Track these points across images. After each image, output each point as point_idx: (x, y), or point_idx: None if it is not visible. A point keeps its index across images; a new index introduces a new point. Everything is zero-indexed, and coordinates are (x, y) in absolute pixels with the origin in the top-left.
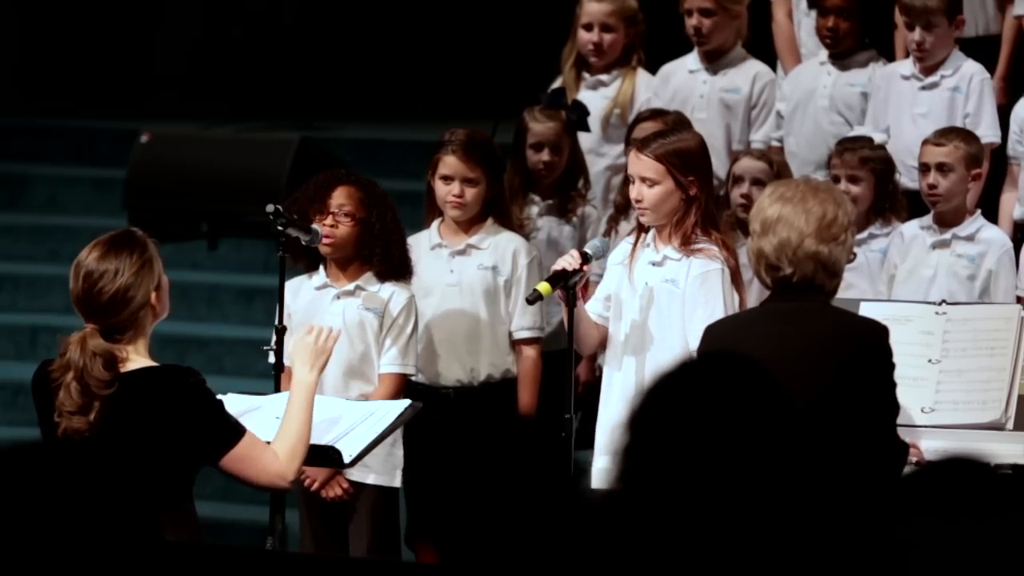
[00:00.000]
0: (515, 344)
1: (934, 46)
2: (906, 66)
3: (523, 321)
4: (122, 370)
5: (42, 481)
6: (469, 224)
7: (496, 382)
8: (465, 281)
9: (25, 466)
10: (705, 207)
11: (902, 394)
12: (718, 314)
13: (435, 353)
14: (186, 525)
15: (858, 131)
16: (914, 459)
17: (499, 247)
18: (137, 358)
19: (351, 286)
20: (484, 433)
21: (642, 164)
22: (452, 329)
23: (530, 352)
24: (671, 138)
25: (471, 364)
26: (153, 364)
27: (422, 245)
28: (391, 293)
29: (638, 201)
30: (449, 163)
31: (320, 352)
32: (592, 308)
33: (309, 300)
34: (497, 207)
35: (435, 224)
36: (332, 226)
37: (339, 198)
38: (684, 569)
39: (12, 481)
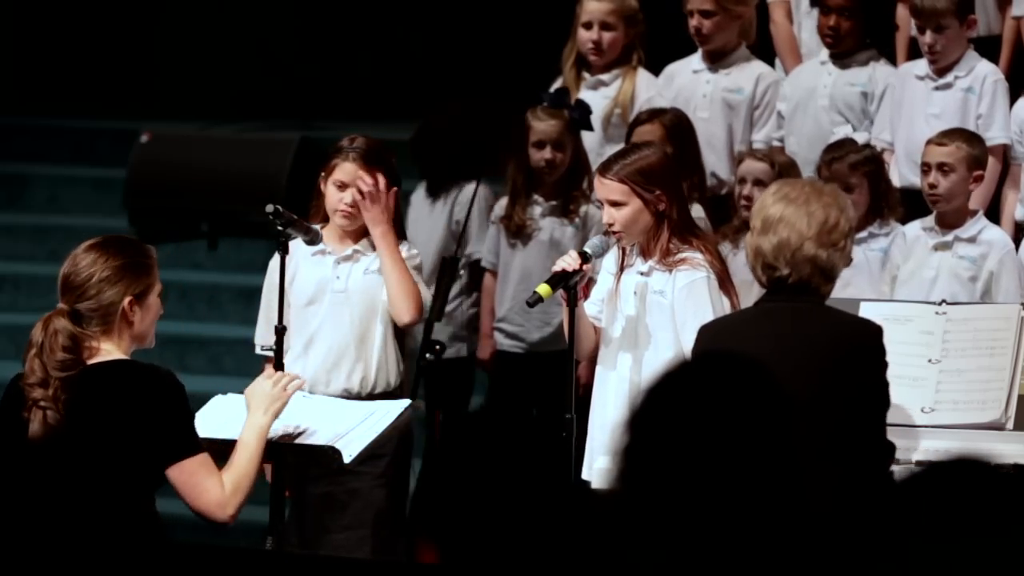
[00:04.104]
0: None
1: (946, 48)
2: (920, 66)
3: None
4: (90, 360)
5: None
6: (358, 231)
7: (391, 392)
8: (352, 287)
9: None
10: (678, 218)
11: (903, 394)
12: None
13: (323, 362)
14: (144, 524)
15: (840, 132)
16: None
17: None
18: (111, 352)
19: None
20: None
21: (607, 188)
22: (341, 337)
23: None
24: (631, 157)
25: (362, 373)
26: (128, 359)
27: (300, 250)
28: None
29: (610, 225)
30: (347, 170)
31: (277, 398)
32: (589, 310)
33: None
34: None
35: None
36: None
37: None
38: (684, 569)
39: None
